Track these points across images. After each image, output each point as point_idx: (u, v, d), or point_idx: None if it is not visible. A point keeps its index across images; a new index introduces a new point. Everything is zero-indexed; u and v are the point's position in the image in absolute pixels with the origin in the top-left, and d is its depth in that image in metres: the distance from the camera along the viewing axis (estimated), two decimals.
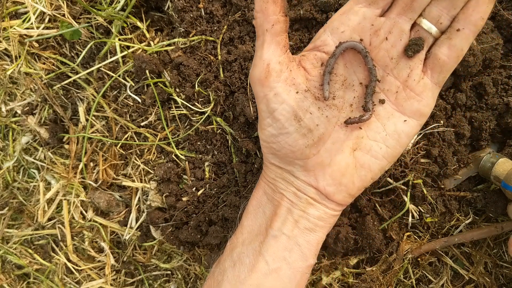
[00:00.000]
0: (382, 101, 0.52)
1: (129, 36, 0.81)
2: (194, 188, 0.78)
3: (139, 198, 0.85)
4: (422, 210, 0.70)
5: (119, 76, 0.81)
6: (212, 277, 0.57)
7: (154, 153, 0.83)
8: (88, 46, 0.82)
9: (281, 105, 0.51)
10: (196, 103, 0.76)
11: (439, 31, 0.50)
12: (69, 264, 0.92)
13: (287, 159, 0.54)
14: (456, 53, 0.49)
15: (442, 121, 0.68)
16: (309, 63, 0.53)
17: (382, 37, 0.51)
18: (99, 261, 0.92)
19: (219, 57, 0.75)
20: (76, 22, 0.82)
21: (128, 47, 0.81)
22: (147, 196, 0.83)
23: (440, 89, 0.53)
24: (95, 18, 0.81)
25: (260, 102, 0.52)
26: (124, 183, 0.85)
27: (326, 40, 0.52)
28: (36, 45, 0.86)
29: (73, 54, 0.86)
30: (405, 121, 0.52)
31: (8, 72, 0.88)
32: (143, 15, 0.81)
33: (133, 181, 0.85)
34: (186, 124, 0.80)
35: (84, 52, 0.82)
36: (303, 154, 0.53)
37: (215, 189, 0.76)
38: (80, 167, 0.88)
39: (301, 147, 0.52)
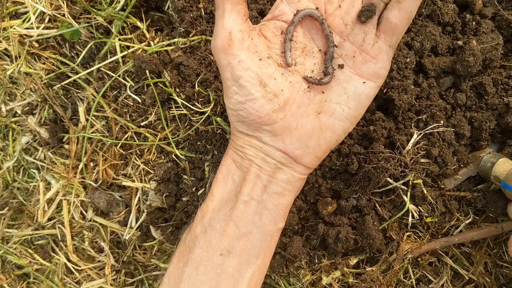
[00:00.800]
0: (341, 66, 0.55)
1: (129, 36, 0.81)
2: (194, 188, 0.78)
3: (139, 198, 0.85)
4: (422, 210, 0.70)
5: (119, 76, 0.81)
6: (183, 244, 0.58)
7: (154, 153, 0.83)
8: (88, 46, 0.82)
9: (246, 71, 0.52)
10: (196, 103, 0.77)
11: None
12: (69, 264, 0.92)
13: (255, 125, 0.55)
14: (406, 15, 0.52)
15: (442, 121, 0.68)
16: (269, 31, 0.55)
17: (335, 4, 0.54)
18: (99, 261, 0.92)
19: None
20: (76, 22, 0.82)
21: (128, 47, 0.81)
22: (147, 196, 0.83)
23: (394, 52, 0.56)
24: (95, 18, 0.81)
25: (225, 71, 0.53)
26: (124, 183, 0.85)
27: (284, 9, 0.55)
28: (36, 45, 0.86)
29: (73, 54, 0.86)
30: (364, 83, 0.55)
31: (8, 72, 0.88)
32: (143, 15, 0.81)
33: (133, 181, 0.85)
34: (186, 124, 0.80)
35: (84, 52, 0.82)
36: (270, 119, 0.54)
37: None
38: (80, 167, 0.88)
39: (268, 112, 0.53)
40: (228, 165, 0.59)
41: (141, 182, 0.84)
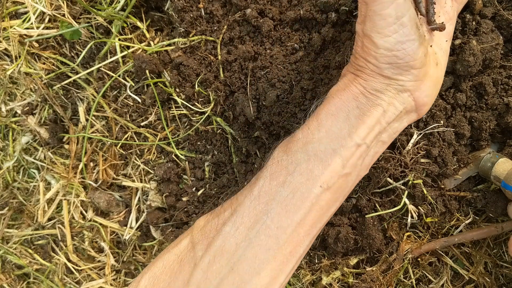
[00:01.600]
0: None
1: (129, 36, 0.81)
2: (194, 188, 0.78)
3: (139, 198, 0.85)
4: (422, 210, 0.70)
5: (119, 76, 0.81)
6: (278, 164, 0.57)
7: (154, 153, 0.83)
8: (88, 46, 0.82)
9: (408, 11, 0.53)
10: (196, 103, 0.77)
11: None
12: (69, 264, 0.92)
13: (405, 67, 0.55)
14: None
15: (442, 121, 0.67)
16: None
17: None
18: (99, 261, 0.92)
19: (219, 57, 0.75)
20: (76, 22, 0.82)
21: (128, 47, 0.81)
22: (147, 196, 0.83)
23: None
24: (95, 18, 0.81)
25: (388, 7, 0.53)
26: (124, 183, 0.85)
27: None
28: (36, 45, 0.86)
29: (73, 54, 0.86)
30: (446, 41, 0.61)
31: (8, 72, 0.88)
32: (143, 15, 0.81)
33: (133, 181, 0.85)
34: (186, 124, 0.80)
35: (84, 52, 0.82)
36: (421, 62, 0.55)
37: (215, 189, 0.76)
38: (80, 167, 0.88)
39: (421, 55, 0.55)
40: (347, 101, 0.58)
41: (141, 182, 0.84)
